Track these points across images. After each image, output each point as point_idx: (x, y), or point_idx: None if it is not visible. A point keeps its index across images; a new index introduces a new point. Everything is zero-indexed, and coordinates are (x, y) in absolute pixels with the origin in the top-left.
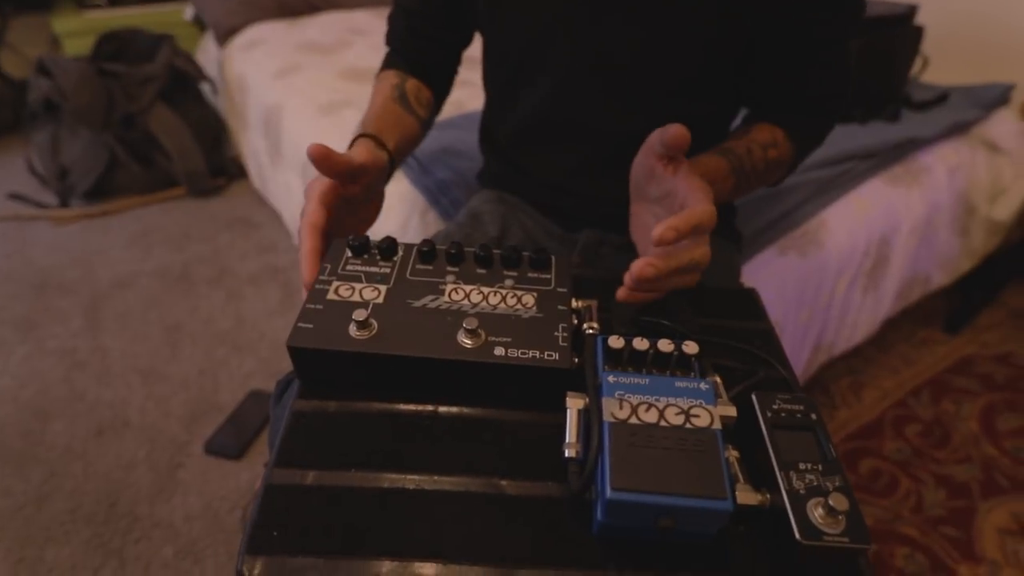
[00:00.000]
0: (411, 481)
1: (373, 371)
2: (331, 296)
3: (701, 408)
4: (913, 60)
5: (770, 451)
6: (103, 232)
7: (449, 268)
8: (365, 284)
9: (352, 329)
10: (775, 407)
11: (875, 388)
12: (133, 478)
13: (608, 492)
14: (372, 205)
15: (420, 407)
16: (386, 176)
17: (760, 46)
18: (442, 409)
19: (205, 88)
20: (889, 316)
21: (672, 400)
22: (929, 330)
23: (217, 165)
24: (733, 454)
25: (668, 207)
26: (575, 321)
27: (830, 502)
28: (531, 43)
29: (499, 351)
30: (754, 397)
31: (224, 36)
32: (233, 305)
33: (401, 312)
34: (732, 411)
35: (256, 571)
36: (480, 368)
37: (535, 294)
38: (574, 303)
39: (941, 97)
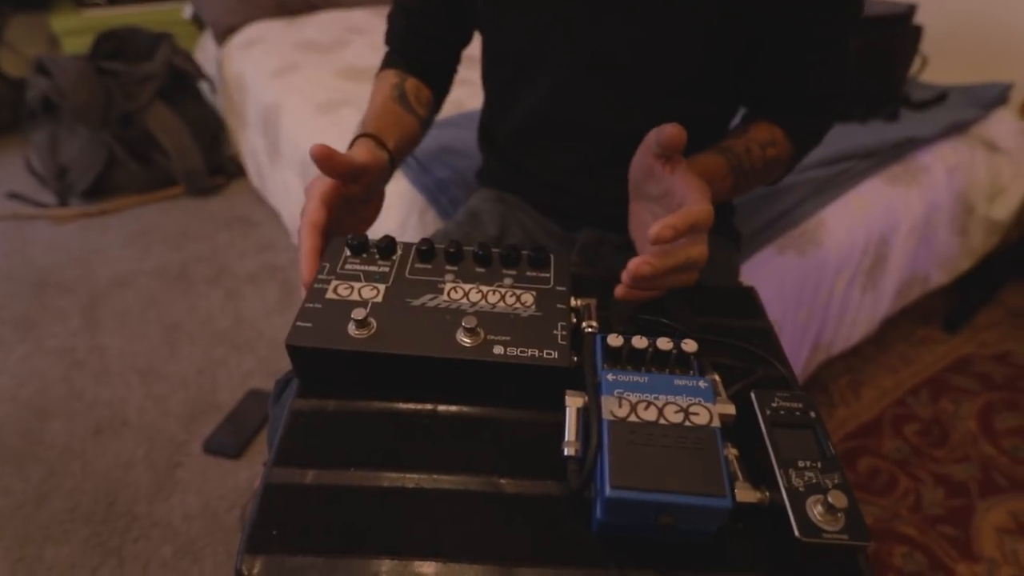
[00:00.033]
0: (410, 480)
1: (372, 370)
2: (330, 295)
3: (700, 406)
4: (912, 59)
5: (769, 449)
6: (102, 231)
7: (448, 267)
8: (364, 283)
9: (351, 328)
10: (774, 405)
11: (874, 387)
12: (132, 477)
13: (607, 490)
14: (372, 205)
15: (419, 406)
16: (386, 176)
17: (760, 46)
18: (441, 408)
19: (204, 87)
20: (888, 315)
21: (671, 398)
22: (928, 329)
23: (216, 164)
24: (732, 452)
25: (667, 206)
26: (574, 320)
27: (829, 499)
28: (531, 43)
29: (498, 350)
30: (753, 395)
31: (223, 35)
32: (232, 304)
33: (400, 311)
34: (731, 409)
35: (255, 570)
36: (479, 367)
37: (534, 293)
38: (573, 302)
39: (940, 96)
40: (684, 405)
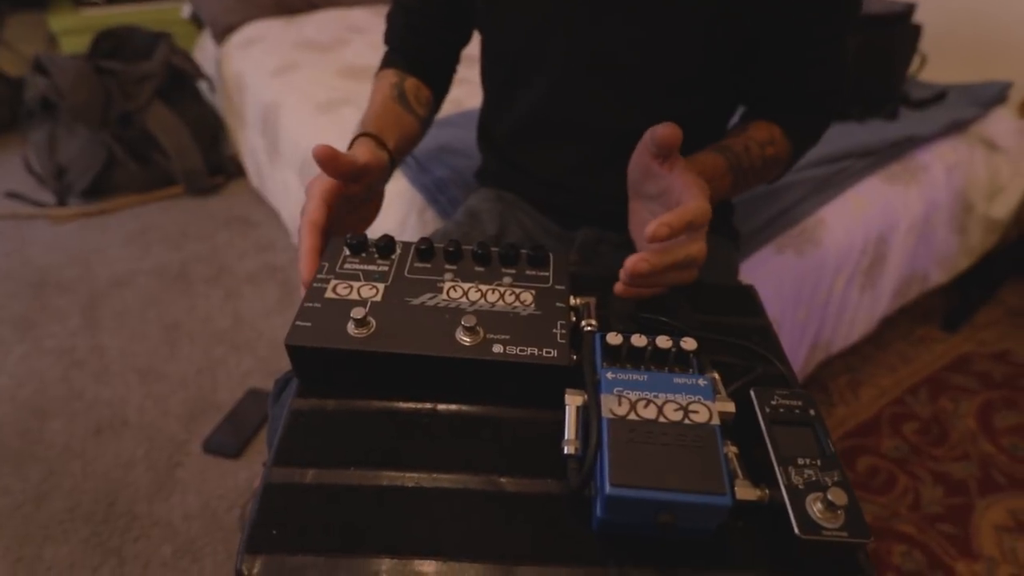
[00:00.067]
0: (410, 479)
1: (371, 369)
2: (329, 294)
3: (700, 404)
4: (911, 58)
5: (769, 446)
6: (101, 231)
7: (447, 266)
8: (363, 282)
9: (350, 327)
10: (773, 403)
11: (873, 386)
12: (132, 477)
13: (607, 488)
14: (372, 204)
15: (419, 405)
16: (387, 176)
17: (758, 44)
18: (441, 407)
19: (203, 86)
20: (887, 314)
21: (671, 396)
22: (927, 328)
23: (215, 163)
24: (732, 450)
25: (665, 204)
26: (573, 318)
27: (829, 497)
28: (530, 42)
29: (497, 348)
30: (752, 393)
31: (222, 34)
32: (231, 304)
33: (399, 310)
34: (731, 407)
35: (255, 570)
36: (478, 365)
37: (533, 291)
38: (572, 300)
39: (939, 95)
40: (684, 403)
